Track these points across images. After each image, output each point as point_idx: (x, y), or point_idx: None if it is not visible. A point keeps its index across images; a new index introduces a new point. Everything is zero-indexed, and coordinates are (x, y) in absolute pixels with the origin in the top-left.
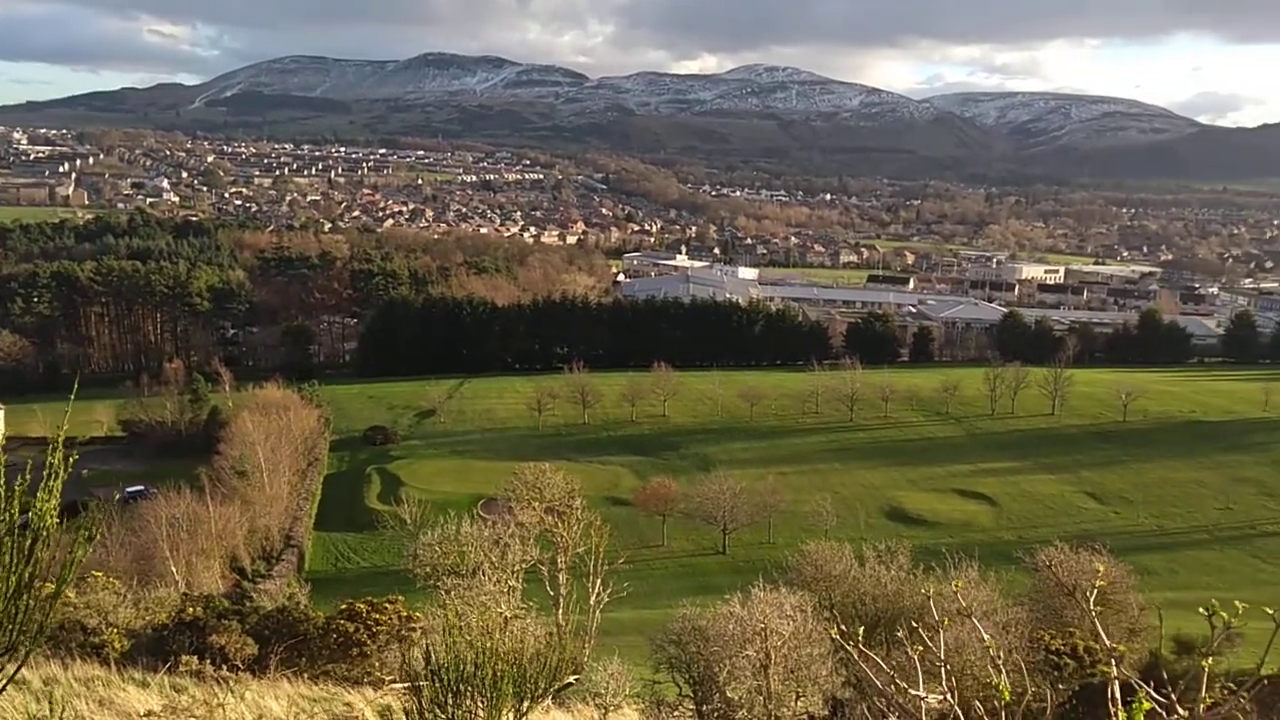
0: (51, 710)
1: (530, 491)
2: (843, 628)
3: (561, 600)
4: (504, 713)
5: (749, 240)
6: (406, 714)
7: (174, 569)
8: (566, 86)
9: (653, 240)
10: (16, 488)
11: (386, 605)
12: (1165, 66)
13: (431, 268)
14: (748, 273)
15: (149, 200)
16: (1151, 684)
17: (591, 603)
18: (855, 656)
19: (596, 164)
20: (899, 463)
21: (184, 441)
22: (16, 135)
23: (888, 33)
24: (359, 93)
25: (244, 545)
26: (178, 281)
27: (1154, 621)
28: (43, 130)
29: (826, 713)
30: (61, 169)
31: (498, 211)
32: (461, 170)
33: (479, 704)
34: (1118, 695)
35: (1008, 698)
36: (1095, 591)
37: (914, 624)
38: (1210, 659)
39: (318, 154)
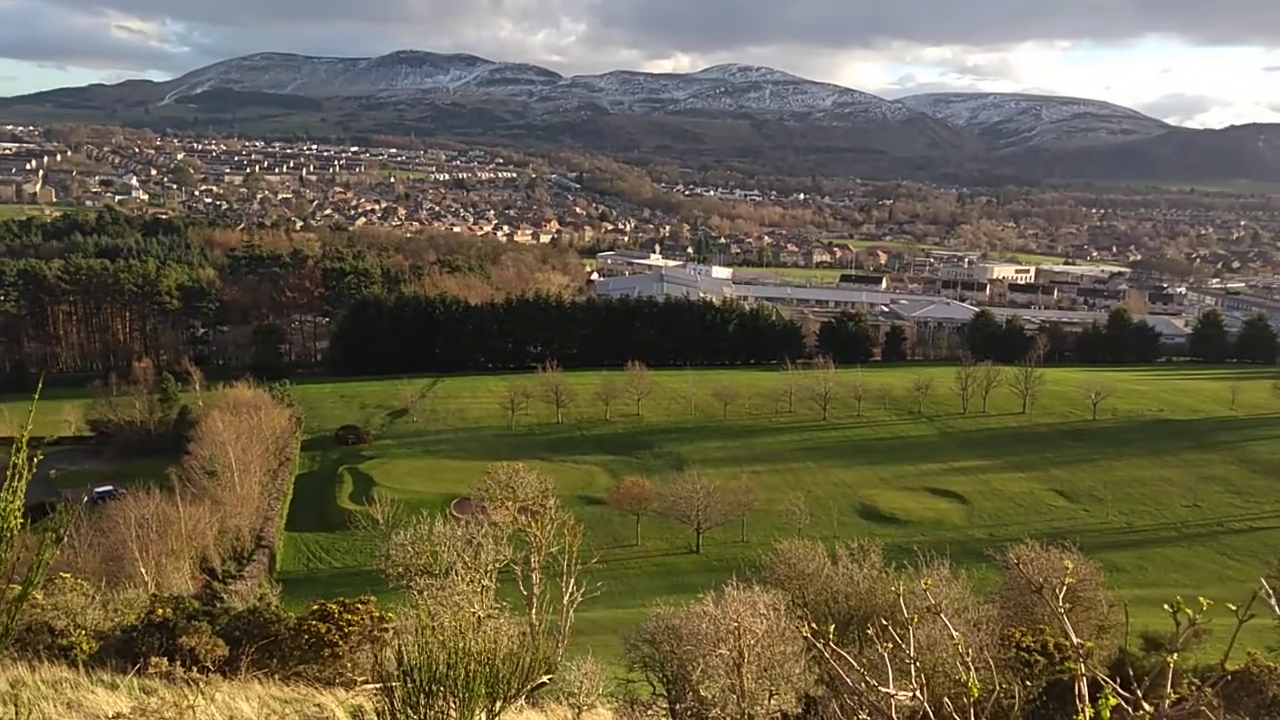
0: (19, 713)
1: (503, 491)
2: (815, 626)
3: (535, 600)
4: (477, 712)
5: (723, 239)
6: (378, 714)
7: (143, 570)
8: (540, 85)
9: (627, 239)
10: None
11: (359, 605)
12: (1134, 68)
13: (404, 266)
14: (721, 272)
15: (118, 198)
16: (1119, 680)
17: (565, 602)
18: (827, 655)
19: (570, 163)
20: (871, 461)
21: (153, 441)
22: None
23: (861, 33)
24: (331, 90)
25: (214, 546)
26: (147, 280)
27: (1122, 618)
28: (9, 127)
29: (800, 710)
30: (29, 166)
31: (471, 210)
32: (434, 168)
33: (451, 704)
34: (1085, 692)
35: (976, 694)
36: (1064, 589)
37: (885, 622)
38: (1176, 655)
39: (289, 152)
